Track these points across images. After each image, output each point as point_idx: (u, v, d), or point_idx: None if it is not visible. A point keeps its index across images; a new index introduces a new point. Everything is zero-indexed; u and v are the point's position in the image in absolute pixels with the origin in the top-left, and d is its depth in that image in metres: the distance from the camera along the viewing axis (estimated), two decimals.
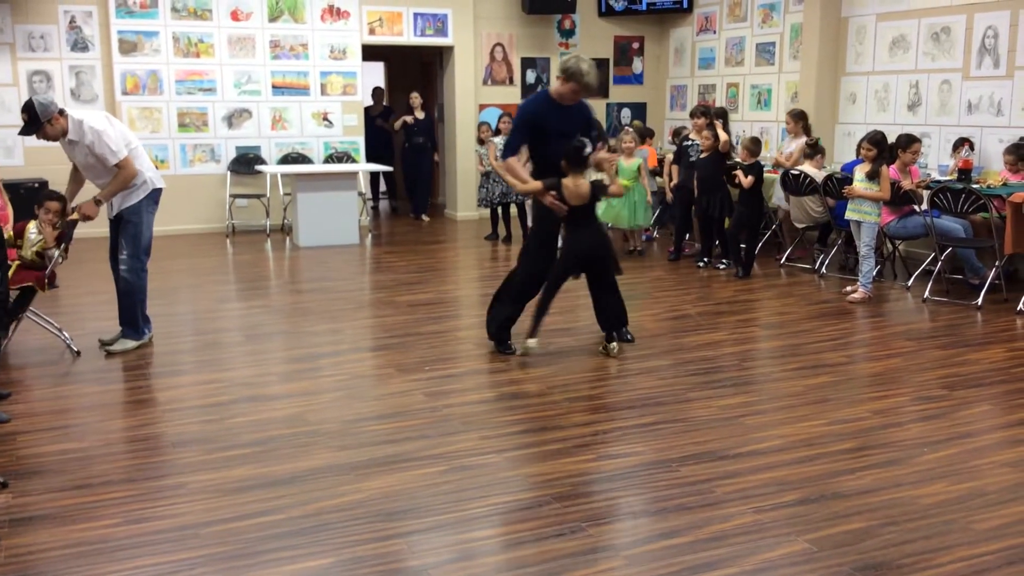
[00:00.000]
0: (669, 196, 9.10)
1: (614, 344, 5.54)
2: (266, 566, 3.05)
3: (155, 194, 5.60)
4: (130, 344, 5.62)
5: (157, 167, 5.96)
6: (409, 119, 11.41)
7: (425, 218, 11.62)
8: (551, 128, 5.40)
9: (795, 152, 8.53)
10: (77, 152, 5.36)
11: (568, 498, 3.54)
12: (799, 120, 8.79)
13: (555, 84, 5.54)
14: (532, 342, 5.46)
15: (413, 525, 3.33)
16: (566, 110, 5.48)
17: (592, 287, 5.58)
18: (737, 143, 9.19)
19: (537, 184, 5.33)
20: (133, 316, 5.63)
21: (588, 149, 5.25)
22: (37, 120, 5.12)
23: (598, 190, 5.38)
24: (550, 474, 3.78)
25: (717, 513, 3.41)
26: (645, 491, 3.63)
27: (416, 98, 11.51)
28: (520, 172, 5.44)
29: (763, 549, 3.13)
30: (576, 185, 5.27)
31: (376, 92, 12.74)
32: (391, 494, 3.59)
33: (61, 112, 5.22)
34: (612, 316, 5.60)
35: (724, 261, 8.25)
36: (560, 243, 5.56)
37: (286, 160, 10.68)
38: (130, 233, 5.51)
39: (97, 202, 5.41)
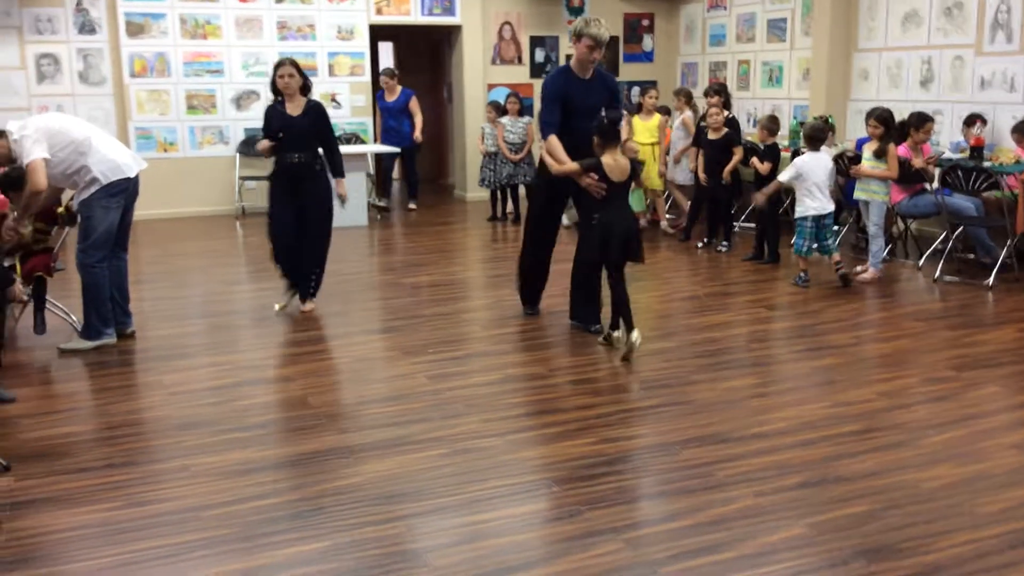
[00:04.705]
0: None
1: (619, 333, 5.19)
2: (266, 549, 3.06)
3: (111, 188, 5.14)
4: (84, 344, 5.27)
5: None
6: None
7: (412, 205, 10.72)
8: (575, 103, 5.27)
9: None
10: None
11: (568, 481, 3.53)
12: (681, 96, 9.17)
13: (573, 54, 5.40)
14: (617, 334, 5.13)
15: (413, 508, 3.33)
16: (589, 84, 5.36)
17: (610, 273, 5.19)
18: (753, 123, 9.11)
19: (574, 165, 5.08)
20: (87, 313, 5.29)
21: (623, 122, 5.06)
22: None
23: (637, 165, 5.22)
24: (551, 457, 3.77)
25: (718, 496, 3.39)
26: (646, 474, 3.61)
27: (388, 79, 10.43)
28: (560, 152, 5.17)
29: (763, 533, 3.12)
30: (616, 161, 5.05)
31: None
32: (392, 477, 3.58)
33: (1, 133, 4.91)
34: (621, 304, 5.16)
35: (725, 243, 8.11)
36: (587, 223, 5.20)
37: None
38: (82, 226, 5.24)
39: (16, 221, 5.05)
